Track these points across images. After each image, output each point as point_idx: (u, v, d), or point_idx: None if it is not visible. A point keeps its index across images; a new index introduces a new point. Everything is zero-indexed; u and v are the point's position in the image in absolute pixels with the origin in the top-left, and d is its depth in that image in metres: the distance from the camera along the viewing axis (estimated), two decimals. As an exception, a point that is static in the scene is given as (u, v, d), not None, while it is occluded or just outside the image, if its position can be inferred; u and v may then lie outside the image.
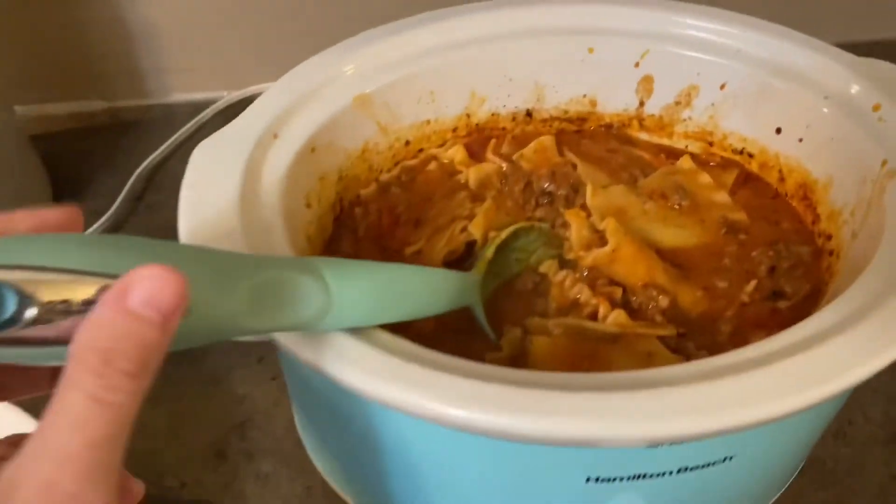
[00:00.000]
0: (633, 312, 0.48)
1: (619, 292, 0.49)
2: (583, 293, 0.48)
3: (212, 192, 0.43)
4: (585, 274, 0.49)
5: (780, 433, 0.42)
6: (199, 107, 0.90)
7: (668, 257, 0.51)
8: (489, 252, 0.49)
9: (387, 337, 0.37)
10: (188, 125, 0.88)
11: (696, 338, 0.48)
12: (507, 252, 0.51)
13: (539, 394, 0.33)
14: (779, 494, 0.54)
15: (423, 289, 0.41)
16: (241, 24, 0.89)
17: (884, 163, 0.46)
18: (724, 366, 0.36)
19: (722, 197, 0.56)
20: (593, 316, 0.47)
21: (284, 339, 0.36)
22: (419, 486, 0.45)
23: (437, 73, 0.56)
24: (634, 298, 0.49)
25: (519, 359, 0.46)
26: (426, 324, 0.46)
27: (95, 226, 0.76)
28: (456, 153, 0.58)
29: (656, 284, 0.49)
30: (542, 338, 0.46)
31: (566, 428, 0.32)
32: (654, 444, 0.36)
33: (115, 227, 0.78)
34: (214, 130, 0.48)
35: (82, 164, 0.85)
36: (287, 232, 0.44)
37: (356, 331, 0.37)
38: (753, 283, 0.50)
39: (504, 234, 0.50)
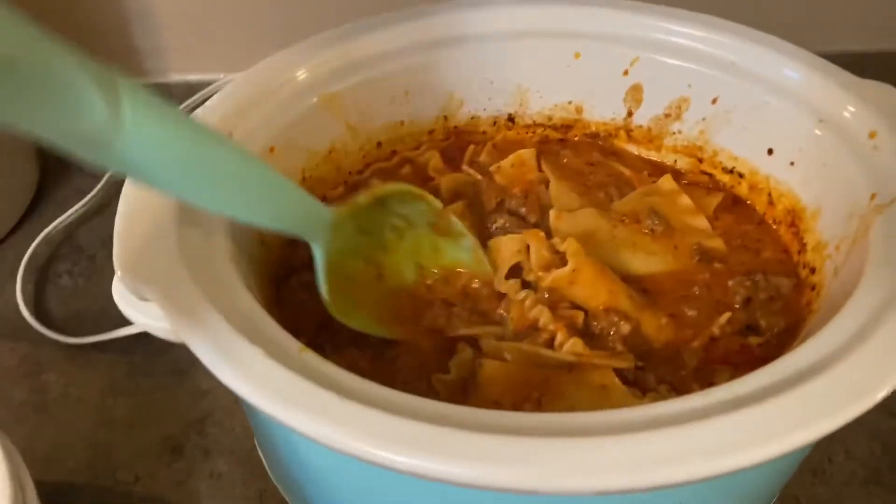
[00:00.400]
0: (593, 338, 0.46)
1: (580, 317, 0.47)
2: (543, 316, 0.46)
3: (151, 199, 0.41)
4: (546, 296, 0.47)
5: (732, 484, 0.39)
6: (194, 88, 0.89)
7: (635, 283, 0.49)
8: (362, 199, 0.45)
9: (315, 360, 0.35)
10: (182, 106, 0.87)
11: (657, 370, 0.46)
12: (388, 213, 0.47)
13: (457, 435, 0.31)
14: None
15: (252, 179, 0.37)
16: (242, 5, 0.87)
17: (872, 196, 0.43)
18: (669, 414, 0.33)
19: (700, 222, 0.53)
20: (550, 342, 0.45)
21: (199, 349, 0.34)
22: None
23: (413, 72, 0.53)
24: (595, 323, 0.47)
25: (468, 381, 0.44)
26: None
27: (79, 204, 0.75)
28: (431, 158, 0.56)
29: (618, 310, 0.47)
30: (493, 363, 0.44)
31: (475, 474, 0.30)
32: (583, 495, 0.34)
33: (100, 207, 0.77)
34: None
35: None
36: (233, 234, 0.42)
37: (279, 351, 0.35)
38: (727, 315, 0.47)
39: (392, 188, 0.47)
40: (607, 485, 0.30)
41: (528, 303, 0.47)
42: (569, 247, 0.47)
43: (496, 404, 0.42)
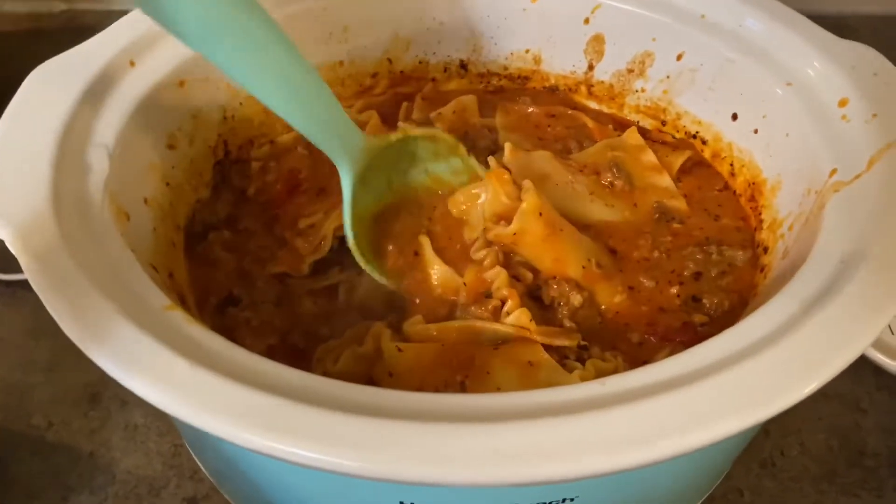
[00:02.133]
0: (543, 308, 0.43)
1: (529, 277, 0.43)
2: (498, 278, 0.42)
3: (33, 123, 0.38)
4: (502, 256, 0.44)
5: (638, 478, 0.36)
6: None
7: (602, 237, 0.45)
8: (394, 136, 0.43)
9: (180, 320, 0.32)
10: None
11: (602, 343, 0.42)
12: (417, 161, 0.45)
13: (300, 411, 0.28)
14: (676, 524, 0.48)
15: (295, 68, 0.35)
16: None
17: (832, 172, 0.39)
18: (582, 399, 0.30)
19: (664, 180, 0.49)
20: (497, 311, 0.42)
21: (47, 298, 0.31)
22: (251, 479, 0.40)
23: (351, 6, 0.49)
24: (547, 292, 0.43)
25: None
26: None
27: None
28: (369, 118, 0.51)
29: (570, 279, 0.43)
30: (414, 347, 0.40)
31: (343, 463, 0.27)
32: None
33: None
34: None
35: (31, 67, 0.80)
36: (126, 175, 0.39)
37: (139, 307, 0.32)
38: (677, 288, 0.44)
39: (420, 131, 0.44)
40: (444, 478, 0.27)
41: (486, 262, 0.43)
42: (525, 200, 0.43)
43: (419, 390, 0.39)
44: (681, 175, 0.50)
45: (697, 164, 0.51)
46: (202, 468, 0.50)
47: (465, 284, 0.43)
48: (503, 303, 0.42)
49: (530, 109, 0.52)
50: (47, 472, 0.51)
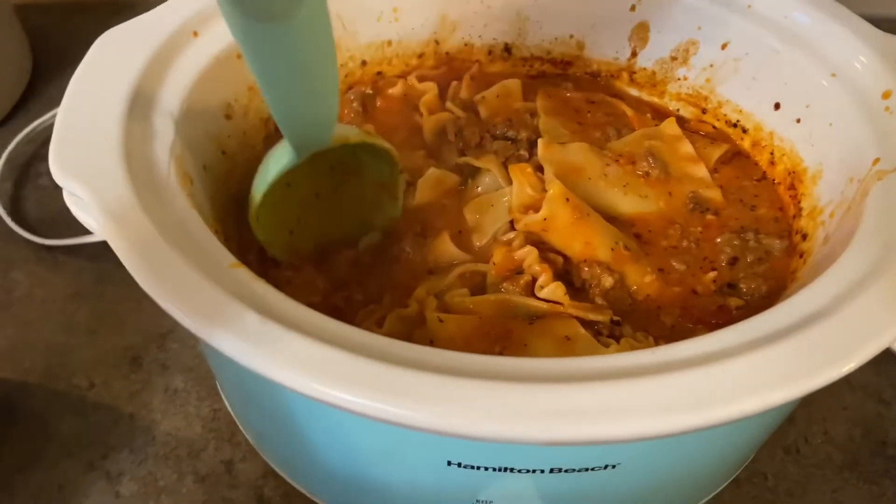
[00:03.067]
0: (575, 290, 0.44)
1: (560, 261, 0.44)
2: (529, 256, 0.43)
3: (102, 87, 0.39)
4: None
5: (678, 448, 0.37)
6: None
7: (627, 227, 0.46)
8: (354, 137, 0.41)
9: (245, 276, 0.33)
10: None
11: (634, 325, 0.43)
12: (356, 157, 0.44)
13: (374, 368, 0.29)
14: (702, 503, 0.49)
15: (328, 81, 0.35)
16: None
17: (875, 161, 0.40)
18: (632, 366, 0.31)
19: (700, 171, 0.49)
20: (529, 288, 0.43)
21: (121, 252, 0.32)
22: (298, 436, 0.42)
23: (403, -13, 0.50)
24: (578, 275, 0.44)
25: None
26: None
27: (66, 108, 0.73)
28: (428, 89, 0.52)
29: (600, 261, 0.44)
30: (454, 319, 0.41)
31: (408, 415, 0.28)
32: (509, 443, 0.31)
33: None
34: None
35: (68, 43, 0.82)
36: (188, 141, 0.40)
37: (208, 263, 0.33)
38: (713, 275, 0.45)
39: (378, 140, 0.43)
40: (532, 435, 0.28)
41: (515, 243, 0.44)
42: (550, 188, 0.44)
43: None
44: (718, 166, 0.51)
45: (736, 156, 0.51)
46: (242, 431, 0.51)
47: (494, 263, 0.44)
48: (534, 279, 0.43)
49: (569, 95, 0.54)
50: (88, 431, 0.53)
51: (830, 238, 0.41)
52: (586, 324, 0.42)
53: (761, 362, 0.31)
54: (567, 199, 0.45)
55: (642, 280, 0.45)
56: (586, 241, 0.44)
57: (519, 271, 0.44)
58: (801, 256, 0.44)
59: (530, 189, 0.46)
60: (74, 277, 0.61)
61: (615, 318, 0.43)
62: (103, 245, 0.59)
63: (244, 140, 0.47)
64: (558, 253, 0.45)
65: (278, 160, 0.39)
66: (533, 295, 0.43)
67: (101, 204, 0.34)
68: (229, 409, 0.52)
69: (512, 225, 0.46)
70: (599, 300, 0.44)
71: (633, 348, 0.41)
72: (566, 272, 0.45)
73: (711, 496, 0.49)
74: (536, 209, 0.45)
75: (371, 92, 0.53)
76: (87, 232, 0.60)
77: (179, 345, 0.58)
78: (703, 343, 0.32)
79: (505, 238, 0.45)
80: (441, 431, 0.28)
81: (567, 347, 0.40)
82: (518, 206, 0.46)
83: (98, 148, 0.36)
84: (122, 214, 0.34)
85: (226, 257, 0.34)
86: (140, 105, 0.39)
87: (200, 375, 0.56)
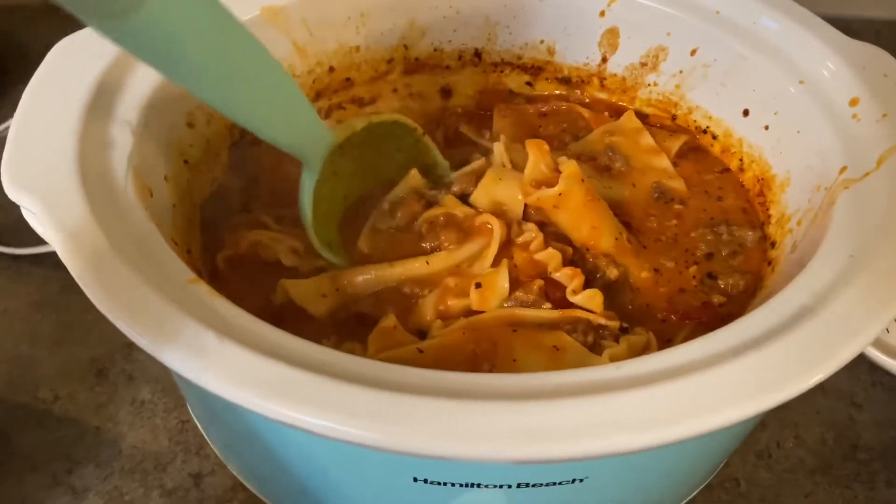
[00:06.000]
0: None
1: (569, 252, 0.44)
2: (552, 261, 0.43)
3: (57, 97, 0.38)
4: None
5: (646, 461, 0.37)
6: None
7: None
8: (358, 124, 0.43)
9: (204, 293, 0.33)
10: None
11: (631, 320, 0.43)
12: (388, 148, 0.46)
13: (323, 383, 0.29)
14: (673, 511, 0.49)
15: (267, 81, 0.35)
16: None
17: (842, 169, 0.39)
18: (598, 381, 0.31)
19: (662, 162, 0.50)
20: (543, 292, 0.42)
21: (74, 268, 0.32)
22: (264, 453, 0.41)
23: (369, -8, 0.49)
24: (583, 266, 0.44)
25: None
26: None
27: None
28: None
29: (606, 252, 0.44)
30: (437, 342, 0.40)
31: (365, 435, 0.28)
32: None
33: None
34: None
35: (34, 46, 0.80)
36: (148, 151, 0.39)
37: (165, 280, 0.32)
38: (694, 269, 0.46)
39: (383, 118, 0.45)
40: (491, 454, 0.28)
41: (533, 245, 0.44)
42: (565, 168, 0.44)
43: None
44: (677, 160, 0.51)
45: (693, 149, 0.52)
46: (210, 443, 0.50)
47: (516, 266, 0.44)
48: (545, 280, 0.43)
49: (523, 108, 0.54)
50: (52, 445, 0.52)
51: (798, 246, 0.41)
52: (592, 327, 0.41)
53: (726, 376, 0.31)
54: (582, 180, 0.45)
55: (639, 275, 0.45)
56: (593, 226, 0.44)
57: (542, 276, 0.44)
58: (769, 264, 0.44)
59: (544, 166, 0.45)
60: (39, 287, 0.60)
61: (623, 324, 0.43)
62: (68, 254, 0.58)
63: (207, 148, 0.46)
64: (564, 243, 0.45)
65: (303, 187, 0.41)
66: (547, 300, 0.42)
67: (55, 219, 0.33)
68: (196, 421, 0.51)
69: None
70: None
71: (630, 345, 0.41)
72: (572, 262, 0.44)
73: (684, 503, 0.49)
74: (549, 186, 0.44)
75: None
76: (50, 241, 0.60)
77: (146, 356, 0.56)
78: (669, 356, 0.32)
79: (521, 240, 0.44)
80: (398, 451, 0.28)
81: (558, 357, 0.40)
82: (530, 180, 0.45)
83: (52, 160, 0.35)
84: (76, 230, 0.33)
85: (184, 273, 0.34)
86: (97, 115, 0.38)
87: (167, 387, 0.55)
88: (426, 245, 0.45)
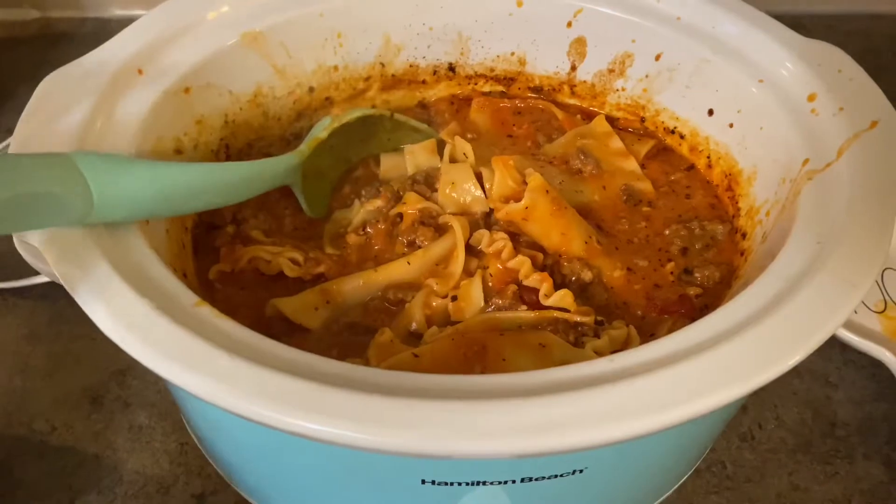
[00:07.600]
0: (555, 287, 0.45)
1: (540, 257, 0.46)
2: (523, 267, 0.45)
3: (51, 127, 0.39)
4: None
5: (642, 448, 0.38)
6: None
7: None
8: (322, 133, 0.49)
9: (210, 315, 0.34)
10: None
11: (608, 316, 0.45)
12: (366, 133, 0.52)
13: (342, 396, 0.30)
14: (666, 496, 0.51)
15: (219, 183, 0.41)
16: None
17: (805, 161, 0.42)
18: (593, 375, 0.32)
19: (630, 164, 0.52)
20: (518, 296, 0.44)
21: (82, 298, 0.33)
22: (272, 466, 0.42)
23: (345, 13, 0.51)
24: (558, 271, 0.46)
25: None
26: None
27: (4, 144, 0.72)
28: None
29: (579, 256, 0.46)
30: (428, 349, 0.42)
31: (381, 440, 0.29)
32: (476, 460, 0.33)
33: (32, 148, 0.74)
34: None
35: (5, 76, 0.80)
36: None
37: (171, 304, 0.33)
38: (670, 265, 0.48)
39: (347, 117, 0.50)
40: (496, 450, 0.29)
41: (504, 254, 0.45)
42: (531, 181, 0.46)
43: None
44: (645, 161, 0.54)
45: (661, 151, 0.54)
46: (212, 463, 0.51)
47: (491, 275, 0.46)
48: (518, 286, 0.45)
49: (501, 105, 0.56)
50: (53, 475, 0.52)
51: (768, 236, 0.43)
52: (570, 325, 0.43)
53: (711, 363, 0.32)
54: (546, 191, 0.47)
55: (612, 274, 0.47)
56: (562, 232, 0.46)
57: (516, 282, 0.45)
58: (742, 254, 0.46)
59: (511, 181, 0.48)
60: (27, 319, 0.60)
61: (598, 318, 0.44)
62: (54, 285, 0.58)
63: (196, 173, 0.47)
64: (536, 249, 0.47)
65: (298, 195, 0.49)
66: (522, 303, 0.44)
67: (57, 251, 0.34)
68: (196, 442, 0.52)
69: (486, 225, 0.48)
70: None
71: (611, 340, 0.43)
72: (543, 267, 0.46)
73: (675, 488, 0.51)
74: (516, 200, 0.47)
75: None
76: (36, 272, 0.60)
77: (139, 381, 0.57)
78: (657, 348, 0.34)
79: (491, 249, 0.46)
80: (414, 454, 0.29)
81: (544, 354, 0.42)
82: (498, 196, 0.48)
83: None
84: (78, 260, 0.34)
85: (188, 297, 0.35)
86: (88, 148, 0.39)
87: (164, 410, 0.56)
88: (402, 239, 0.48)
